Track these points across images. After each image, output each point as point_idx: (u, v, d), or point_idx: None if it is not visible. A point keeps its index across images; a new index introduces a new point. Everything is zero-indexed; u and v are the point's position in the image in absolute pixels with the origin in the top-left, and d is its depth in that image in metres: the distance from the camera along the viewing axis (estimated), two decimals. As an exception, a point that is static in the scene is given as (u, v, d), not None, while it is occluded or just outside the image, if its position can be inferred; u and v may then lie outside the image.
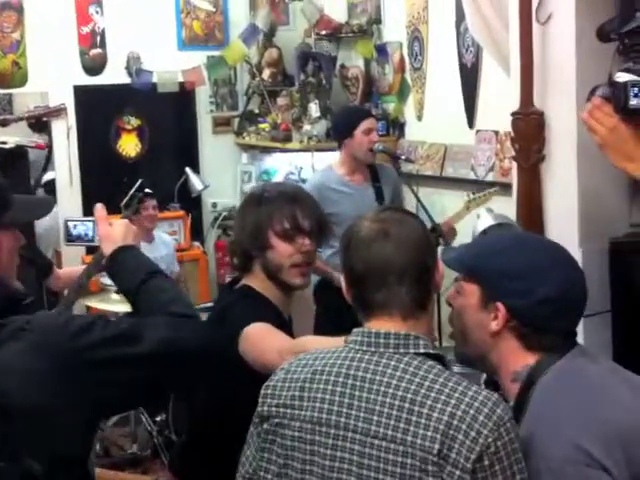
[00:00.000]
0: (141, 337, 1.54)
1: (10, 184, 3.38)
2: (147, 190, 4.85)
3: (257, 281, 2.30)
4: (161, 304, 1.68)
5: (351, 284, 1.67)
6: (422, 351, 1.59)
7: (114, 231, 1.88)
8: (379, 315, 1.63)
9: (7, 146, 3.80)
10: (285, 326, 2.24)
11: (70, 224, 2.22)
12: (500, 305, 1.66)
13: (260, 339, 2.09)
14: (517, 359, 1.66)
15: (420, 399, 1.51)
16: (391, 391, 1.54)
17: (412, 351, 1.58)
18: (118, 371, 1.50)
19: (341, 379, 1.59)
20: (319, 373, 1.63)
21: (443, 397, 1.50)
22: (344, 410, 1.57)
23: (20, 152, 3.80)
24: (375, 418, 1.53)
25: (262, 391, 1.70)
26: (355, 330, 1.65)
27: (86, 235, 2.18)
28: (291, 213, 2.27)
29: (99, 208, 1.95)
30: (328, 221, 2.42)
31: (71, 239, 2.23)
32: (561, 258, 1.72)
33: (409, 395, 1.52)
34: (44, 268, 3.83)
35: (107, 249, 1.85)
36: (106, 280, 4.72)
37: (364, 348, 1.61)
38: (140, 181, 3.97)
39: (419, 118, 5.55)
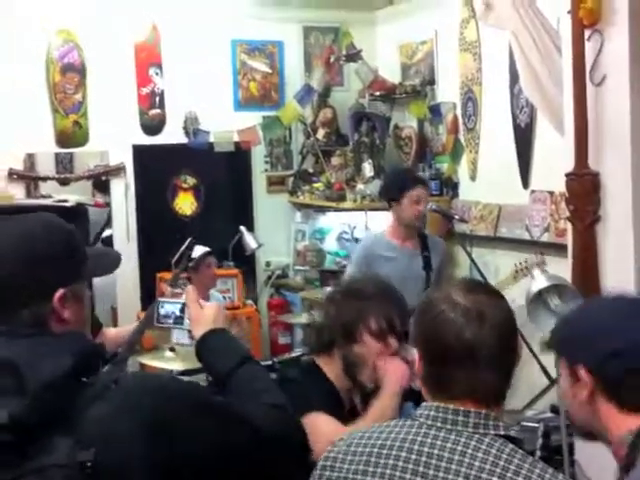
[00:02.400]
0: (238, 420, 1.55)
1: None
2: (205, 249, 4.93)
3: (330, 365, 2.32)
4: (254, 392, 1.67)
5: (430, 361, 1.60)
6: (502, 433, 1.53)
7: (205, 313, 1.87)
8: (462, 397, 1.56)
9: (67, 204, 3.89)
10: (342, 415, 2.21)
11: (159, 304, 2.17)
12: (581, 370, 1.61)
13: (314, 426, 2.04)
14: (618, 424, 1.59)
15: None
16: (473, 473, 1.46)
17: (492, 432, 1.52)
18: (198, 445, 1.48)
19: (413, 456, 1.52)
20: (387, 448, 1.55)
21: None
22: None
23: (80, 210, 3.88)
24: None
25: (320, 462, 1.64)
26: (427, 404, 1.58)
27: (173, 314, 2.11)
28: (388, 313, 2.31)
29: (190, 291, 1.95)
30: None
31: (159, 320, 2.15)
32: (626, 311, 1.66)
33: (491, 478, 1.45)
34: (95, 327, 3.84)
35: (197, 332, 1.84)
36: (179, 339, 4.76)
37: (439, 424, 1.54)
38: (190, 238, 4.00)
39: (473, 178, 5.55)
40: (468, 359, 1.54)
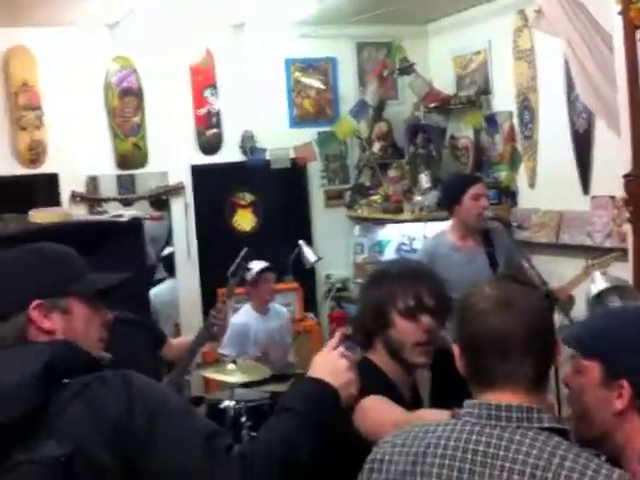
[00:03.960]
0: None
1: (126, 256, 3.51)
2: (264, 264, 4.97)
3: (379, 357, 2.26)
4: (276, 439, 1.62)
5: (468, 354, 1.61)
6: (546, 425, 1.51)
7: (326, 362, 1.79)
8: (500, 388, 1.56)
9: (122, 219, 3.97)
10: (402, 404, 2.16)
11: None
12: (625, 382, 1.58)
13: (376, 411, 2.04)
14: None
15: (551, 476, 1.43)
16: (518, 467, 1.45)
17: (536, 425, 1.51)
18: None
19: (459, 453, 1.51)
20: (433, 446, 1.55)
21: (576, 475, 1.42)
22: None
23: (135, 224, 3.95)
24: None
25: (367, 465, 1.64)
26: (470, 402, 1.59)
27: None
28: (415, 291, 2.23)
29: (338, 335, 1.89)
30: (451, 298, 2.33)
31: None
32: None
33: (538, 472, 1.44)
34: (157, 339, 3.91)
35: (314, 371, 1.77)
36: (224, 351, 4.82)
37: (483, 421, 1.54)
38: (246, 249, 4.04)
39: (531, 186, 5.51)
40: (500, 348, 1.55)
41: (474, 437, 1.52)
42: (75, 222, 3.92)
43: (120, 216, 4.07)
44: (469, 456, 1.50)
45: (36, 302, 1.62)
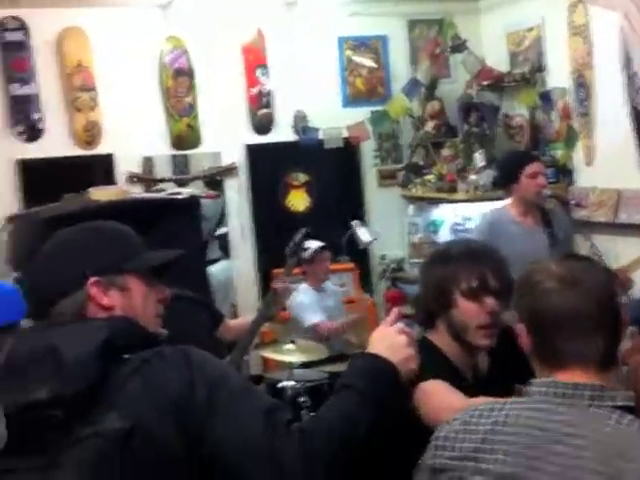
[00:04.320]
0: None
1: (183, 233, 3.54)
2: (320, 243, 4.98)
3: (440, 338, 2.23)
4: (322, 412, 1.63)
5: (535, 333, 1.59)
6: (620, 404, 1.49)
7: (384, 338, 1.78)
8: (571, 365, 1.54)
9: (180, 197, 4.00)
10: (462, 386, 2.13)
11: None
12: None
13: (436, 396, 2.02)
14: None
15: (629, 453, 1.40)
16: (589, 445, 1.43)
17: (608, 404, 1.49)
18: None
19: (530, 431, 1.49)
20: (501, 424, 1.53)
21: None
22: (534, 464, 1.46)
23: (193, 202, 3.98)
24: (571, 474, 1.43)
25: (433, 442, 1.63)
26: (538, 381, 1.57)
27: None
28: (479, 272, 2.18)
29: (395, 311, 1.88)
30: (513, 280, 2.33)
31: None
32: None
33: (610, 451, 1.41)
34: (214, 319, 3.94)
35: (372, 347, 1.76)
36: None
37: (552, 399, 1.52)
38: (305, 229, 4.04)
39: (588, 164, 5.44)
40: (568, 325, 1.53)
41: (543, 415, 1.50)
42: (133, 199, 3.96)
43: (178, 194, 4.10)
44: (539, 434, 1.48)
45: (94, 279, 1.64)
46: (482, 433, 1.55)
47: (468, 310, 2.17)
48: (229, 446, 1.49)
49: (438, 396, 2.02)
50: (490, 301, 2.17)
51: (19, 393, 1.48)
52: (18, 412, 1.47)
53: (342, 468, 1.56)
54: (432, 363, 2.08)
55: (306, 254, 4.60)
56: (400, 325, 1.81)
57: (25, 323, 2.58)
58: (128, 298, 1.67)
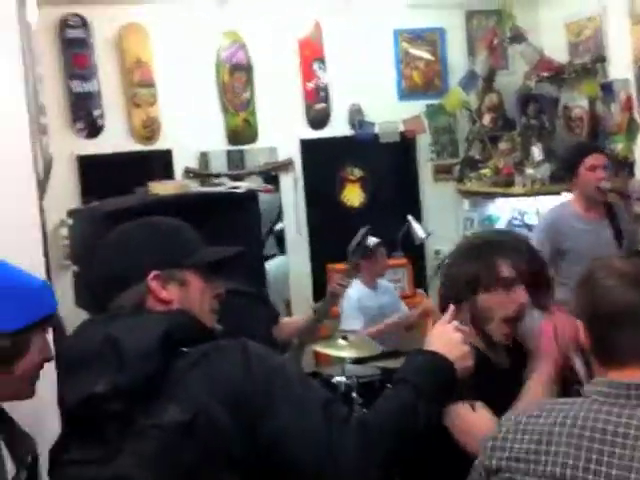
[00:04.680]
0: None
1: (241, 227, 3.56)
2: (377, 239, 4.97)
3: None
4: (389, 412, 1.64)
5: (595, 330, 1.58)
6: None
7: (441, 335, 1.81)
8: (631, 365, 1.53)
9: (239, 191, 4.01)
10: (493, 371, 2.13)
11: None
12: None
13: (467, 424, 1.98)
14: None
15: None
16: None
17: None
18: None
19: (587, 433, 1.48)
20: (559, 425, 1.52)
21: None
22: (592, 466, 1.45)
23: (251, 196, 3.99)
24: (633, 476, 1.42)
25: (488, 442, 1.63)
26: (599, 380, 1.56)
27: None
28: (510, 262, 2.13)
29: (452, 309, 1.91)
30: (549, 276, 2.26)
31: None
32: None
33: None
34: (272, 316, 3.95)
35: (430, 344, 1.79)
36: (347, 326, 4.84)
37: (612, 400, 1.51)
38: (367, 227, 4.04)
39: (650, 157, 5.31)
40: (629, 323, 1.52)
41: (603, 416, 1.49)
42: (193, 194, 3.99)
43: (236, 188, 4.12)
44: (597, 435, 1.48)
45: (154, 273, 1.67)
46: (538, 434, 1.54)
47: (497, 299, 2.12)
48: (287, 437, 1.51)
49: (471, 426, 1.99)
50: (522, 294, 2.12)
51: (80, 385, 1.51)
52: (79, 404, 1.51)
53: (396, 462, 1.59)
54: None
55: (366, 251, 4.59)
56: (456, 323, 1.85)
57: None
58: (186, 293, 1.70)
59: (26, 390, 1.84)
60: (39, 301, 1.84)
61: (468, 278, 2.16)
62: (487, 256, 2.17)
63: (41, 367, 1.86)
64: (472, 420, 2.00)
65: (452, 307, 1.91)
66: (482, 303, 2.14)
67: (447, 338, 1.79)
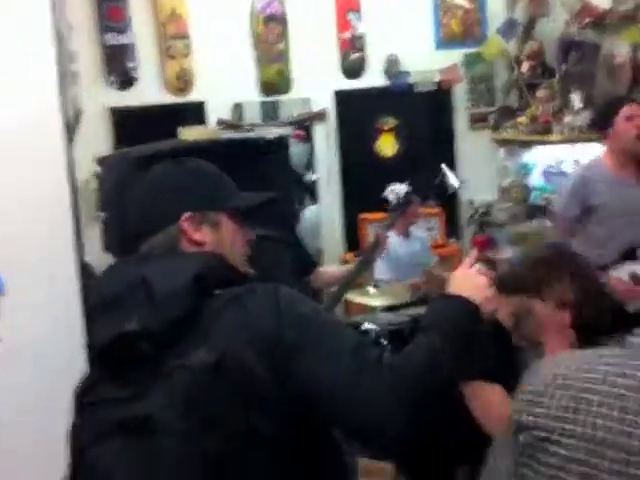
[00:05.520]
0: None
1: (273, 172, 3.55)
2: (408, 188, 4.95)
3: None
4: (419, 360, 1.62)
5: None
6: None
7: (466, 278, 1.78)
8: None
9: (269, 136, 3.98)
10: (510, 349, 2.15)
11: None
12: None
13: (480, 400, 2.02)
14: None
15: None
16: None
17: None
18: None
19: (632, 394, 1.38)
20: (600, 382, 1.41)
21: None
22: (626, 429, 1.35)
23: (282, 141, 3.95)
24: None
25: (523, 396, 1.53)
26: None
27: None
28: (582, 287, 2.12)
29: (474, 253, 1.89)
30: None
31: None
32: None
33: None
34: (305, 263, 3.94)
35: (454, 287, 1.76)
36: (379, 276, 4.83)
37: None
38: (409, 187, 4.04)
39: (693, 105, 5.14)
40: None
41: None
42: (224, 139, 3.96)
43: (267, 134, 4.10)
44: (634, 395, 1.38)
45: (187, 214, 1.65)
46: (576, 390, 1.44)
47: (550, 317, 2.08)
48: (319, 382, 1.49)
49: (482, 400, 2.04)
50: (567, 318, 2.09)
51: (110, 325, 1.51)
52: (109, 343, 1.51)
53: (427, 405, 1.56)
54: None
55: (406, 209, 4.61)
56: (479, 266, 1.81)
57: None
58: (219, 235, 1.69)
59: None
60: None
61: (540, 280, 2.12)
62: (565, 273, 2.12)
63: None
64: (490, 400, 2.02)
65: (474, 251, 1.88)
66: (539, 310, 2.11)
67: (472, 281, 1.76)
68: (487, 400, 2.02)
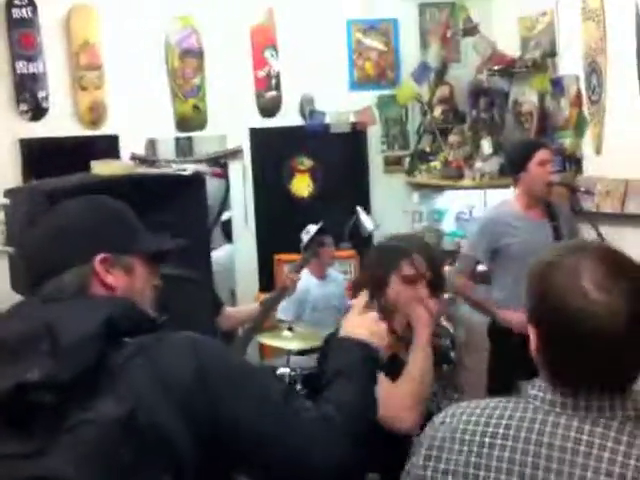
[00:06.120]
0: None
1: (189, 210, 3.48)
2: (320, 226, 4.95)
3: None
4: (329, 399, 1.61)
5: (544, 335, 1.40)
6: (632, 413, 1.32)
7: (362, 324, 1.79)
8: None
9: (185, 173, 3.91)
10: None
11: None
12: None
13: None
14: None
15: None
16: (604, 466, 1.28)
17: (620, 413, 1.32)
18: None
19: (532, 447, 1.34)
20: (501, 437, 1.37)
21: None
22: None
23: (198, 178, 3.88)
24: None
25: (423, 450, 1.47)
26: (542, 385, 1.40)
27: None
28: (419, 262, 2.37)
29: (363, 295, 1.90)
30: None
31: None
32: None
33: (629, 473, 1.26)
34: (215, 307, 3.88)
35: (348, 329, 1.78)
36: (281, 316, 4.81)
37: (557, 410, 1.35)
38: (321, 224, 4.03)
39: (597, 152, 5.33)
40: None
41: (548, 429, 1.35)
42: (139, 175, 3.84)
43: (183, 170, 4.03)
44: (544, 451, 1.33)
45: (102, 255, 1.59)
46: (476, 446, 1.40)
47: (403, 294, 2.36)
48: (251, 431, 1.46)
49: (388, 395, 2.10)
50: (424, 291, 2.36)
51: (9, 373, 1.39)
52: (7, 394, 1.38)
53: (359, 444, 1.57)
54: None
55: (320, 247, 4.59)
56: (374, 313, 1.85)
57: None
58: (131, 280, 1.63)
59: None
60: None
61: (378, 270, 2.40)
62: (400, 252, 2.40)
63: None
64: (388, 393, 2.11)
65: (364, 293, 1.91)
66: (389, 295, 2.35)
67: (370, 326, 1.79)
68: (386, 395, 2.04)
